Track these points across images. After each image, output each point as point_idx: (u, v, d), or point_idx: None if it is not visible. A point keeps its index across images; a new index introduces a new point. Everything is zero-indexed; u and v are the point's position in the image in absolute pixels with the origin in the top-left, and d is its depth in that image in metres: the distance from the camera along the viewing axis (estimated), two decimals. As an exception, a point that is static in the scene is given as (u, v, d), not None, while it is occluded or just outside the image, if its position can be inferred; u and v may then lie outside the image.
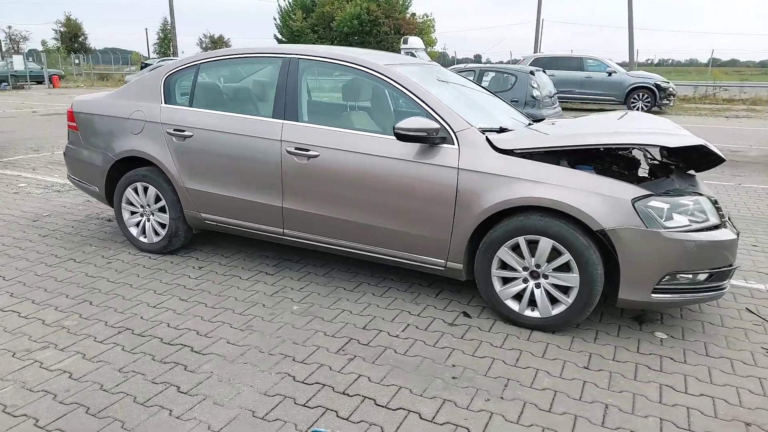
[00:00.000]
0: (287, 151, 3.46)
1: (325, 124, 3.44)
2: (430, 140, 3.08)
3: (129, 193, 4.11)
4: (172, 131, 3.82)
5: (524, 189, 2.95)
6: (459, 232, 3.13)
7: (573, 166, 3.14)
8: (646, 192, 2.84)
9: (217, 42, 54.99)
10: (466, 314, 3.27)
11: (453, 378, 2.61)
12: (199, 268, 3.91)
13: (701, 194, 3.00)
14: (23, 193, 6.02)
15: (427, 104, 3.22)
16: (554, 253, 2.95)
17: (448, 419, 2.31)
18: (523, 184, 2.96)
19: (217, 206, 3.80)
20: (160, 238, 4.07)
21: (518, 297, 3.11)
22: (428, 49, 51.11)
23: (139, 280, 3.69)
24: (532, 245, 2.99)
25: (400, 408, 2.38)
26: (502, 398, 2.46)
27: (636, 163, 3.57)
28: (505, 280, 3.13)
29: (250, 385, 2.54)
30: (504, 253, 3.06)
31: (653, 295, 2.87)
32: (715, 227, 2.96)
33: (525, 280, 3.07)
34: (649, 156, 3.72)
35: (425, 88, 3.30)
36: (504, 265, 3.09)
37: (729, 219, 3.27)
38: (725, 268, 2.96)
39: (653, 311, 3.33)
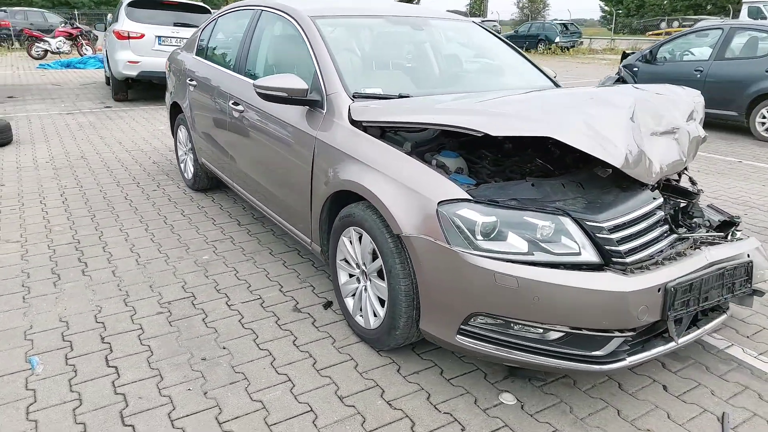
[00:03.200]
0: (230, 104, 3.49)
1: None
2: (297, 102, 2.74)
3: (178, 133, 4.72)
4: (189, 80, 4.22)
5: (351, 170, 2.42)
6: (315, 211, 2.76)
7: (438, 151, 2.42)
8: (459, 195, 2.03)
9: (534, 0, 53.57)
10: (328, 304, 2.89)
11: (202, 359, 2.42)
12: (199, 207, 4.30)
13: (569, 215, 1.97)
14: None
15: (318, 61, 2.84)
16: (376, 254, 2.37)
17: (135, 391, 2.19)
18: (354, 164, 2.43)
19: (206, 153, 4.08)
20: (191, 176, 4.59)
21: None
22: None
23: (150, 207, 4.27)
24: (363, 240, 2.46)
25: (113, 367, 2.35)
26: (205, 393, 2.20)
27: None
28: (351, 275, 2.65)
29: (63, 308, 2.81)
30: (342, 244, 2.59)
31: (458, 337, 2.08)
32: (594, 267, 1.95)
33: (359, 280, 2.56)
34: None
35: (330, 43, 2.89)
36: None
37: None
38: (600, 333, 1.95)
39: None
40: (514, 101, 2.35)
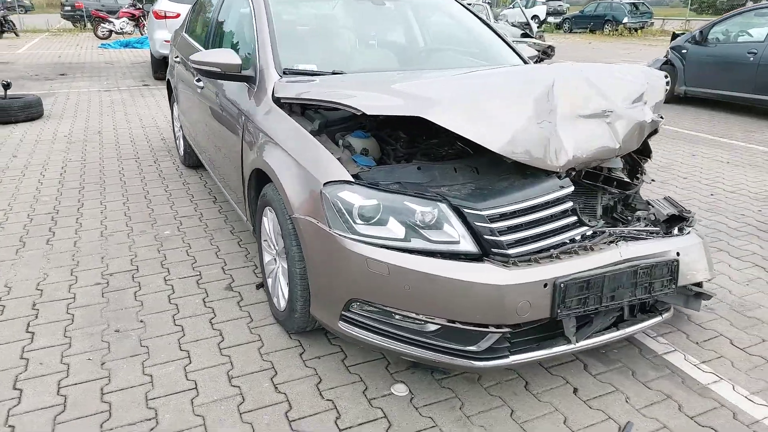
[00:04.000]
0: (195, 81, 3.51)
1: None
2: (232, 77, 2.71)
3: (173, 110, 4.81)
4: (174, 57, 4.28)
5: (264, 149, 2.37)
6: (246, 190, 2.73)
7: (351, 130, 2.33)
8: (342, 176, 1.94)
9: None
10: (261, 284, 2.87)
11: (115, 330, 2.47)
12: (184, 184, 4.38)
13: (447, 201, 1.84)
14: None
15: (257, 35, 2.80)
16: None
17: (40, 357, 2.26)
18: (266, 142, 2.38)
19: (186, 128, 4.14)
20: (182, 152, 4.68)
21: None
22: None
23: (138, 182, 4.40)
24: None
25: (31, 332, 2.43)
26: (102, 364, 2.24)
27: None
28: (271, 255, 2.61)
29: (13, 275, 2.94)
30: (263, 224, 2.55)
31: (340, 323, 2.01)
32: (474, 258, 1.82)
33: (275, 260, 2.52)
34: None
35: (273, 18, 2.83)
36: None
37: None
38: (475, 328, 1.82)
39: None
40: (430, 81, 2.22)
